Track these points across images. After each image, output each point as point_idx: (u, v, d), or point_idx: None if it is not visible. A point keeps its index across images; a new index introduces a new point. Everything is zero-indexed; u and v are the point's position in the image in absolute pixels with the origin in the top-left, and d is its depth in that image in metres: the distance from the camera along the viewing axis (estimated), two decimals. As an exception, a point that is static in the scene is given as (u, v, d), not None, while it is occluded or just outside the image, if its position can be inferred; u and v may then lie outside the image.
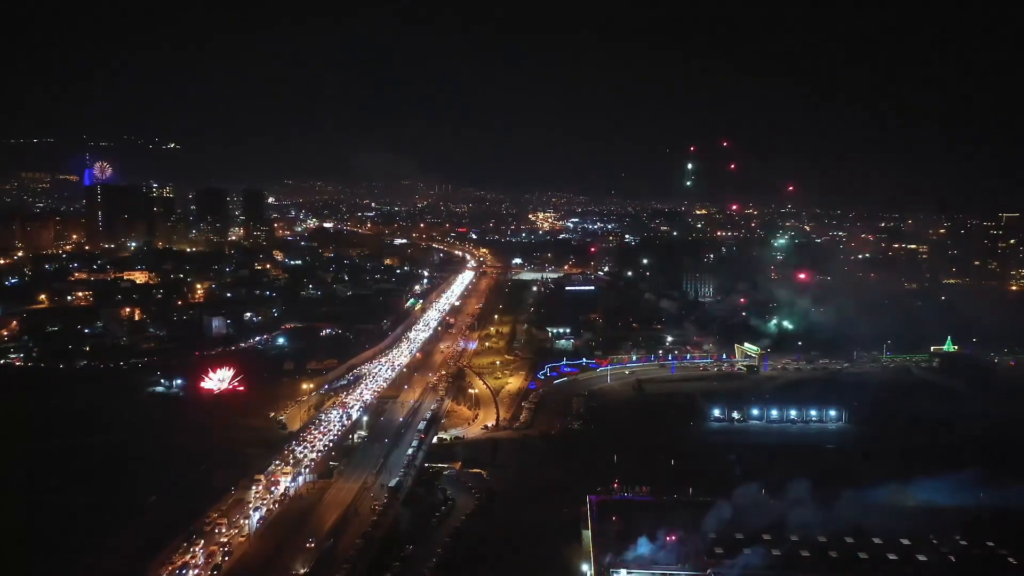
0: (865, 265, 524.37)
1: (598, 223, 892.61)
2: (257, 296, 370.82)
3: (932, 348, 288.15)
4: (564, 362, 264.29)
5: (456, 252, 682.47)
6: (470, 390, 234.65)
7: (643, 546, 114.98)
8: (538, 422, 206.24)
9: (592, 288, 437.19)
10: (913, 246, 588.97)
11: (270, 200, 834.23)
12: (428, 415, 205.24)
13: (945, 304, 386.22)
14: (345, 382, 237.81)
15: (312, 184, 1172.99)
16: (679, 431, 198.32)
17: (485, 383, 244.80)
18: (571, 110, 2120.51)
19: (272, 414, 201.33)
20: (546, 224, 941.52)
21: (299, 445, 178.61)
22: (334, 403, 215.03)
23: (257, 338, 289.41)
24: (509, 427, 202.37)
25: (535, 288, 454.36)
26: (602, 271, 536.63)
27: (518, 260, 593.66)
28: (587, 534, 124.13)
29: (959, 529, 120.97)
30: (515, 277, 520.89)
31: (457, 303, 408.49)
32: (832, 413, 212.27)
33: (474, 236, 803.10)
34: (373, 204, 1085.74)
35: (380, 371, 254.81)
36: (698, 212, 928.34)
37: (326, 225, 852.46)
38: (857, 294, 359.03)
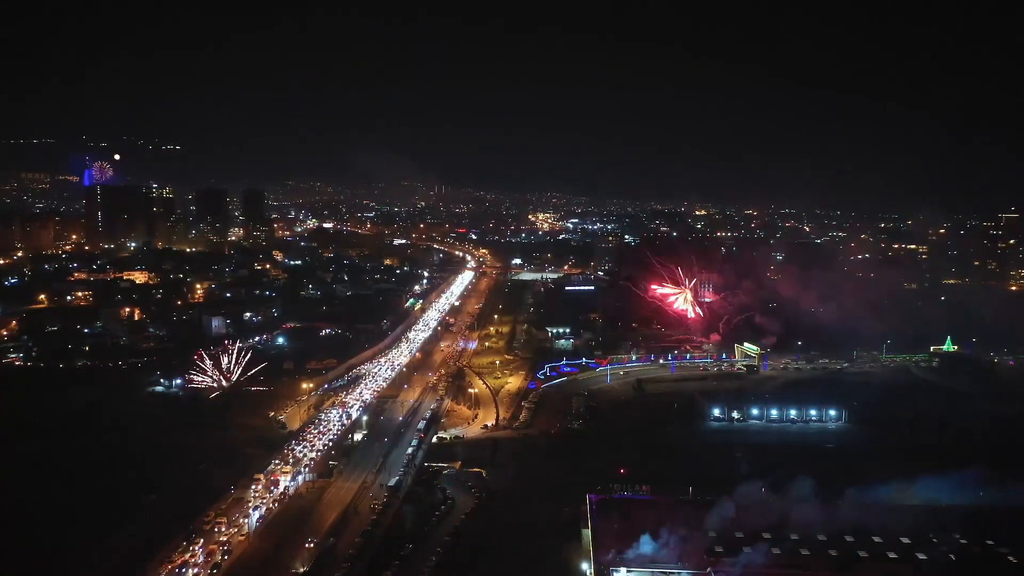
0: (865, 265, 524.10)
1: (598, 224, 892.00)
2: (257, 296, 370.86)
3: (932, 348, 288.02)
4: (564, 362, 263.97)
5: (456, 252, 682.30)
6: (470, 390, 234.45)
7: (643, 545, 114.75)
8: (538, 422, 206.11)
9: (592, 288, 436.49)
10: (913, 246, 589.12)
11: (270, 201, 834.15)
12: (428, 414, 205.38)
13: (945, 304, 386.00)
14: (345, 382, 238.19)
15: (312, 185, 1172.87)
16: (679, 431, 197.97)
17: (485, 383, 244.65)
18: (572, 110, 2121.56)
19: (272, 413, 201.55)
20: (546, 224, 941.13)
21: (299, 444, 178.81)
22: (334, 402, 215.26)
23: (257, 338, 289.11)
24: (509, 426, 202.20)
25: (535, 288, 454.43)
26: (602, 271, 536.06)
27: (518, 260, 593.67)
28: (587, 533, 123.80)
29: (959, 528, 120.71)
30: (515, 277, 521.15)
31: (457, 303, 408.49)
32: (832, 413, 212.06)
33: (474, 236, 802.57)
34: (373, 204, 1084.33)
35: (380, 371, 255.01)
36: (698, 212, 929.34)
37: (326, 225, 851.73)
38: (857, 294, 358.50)
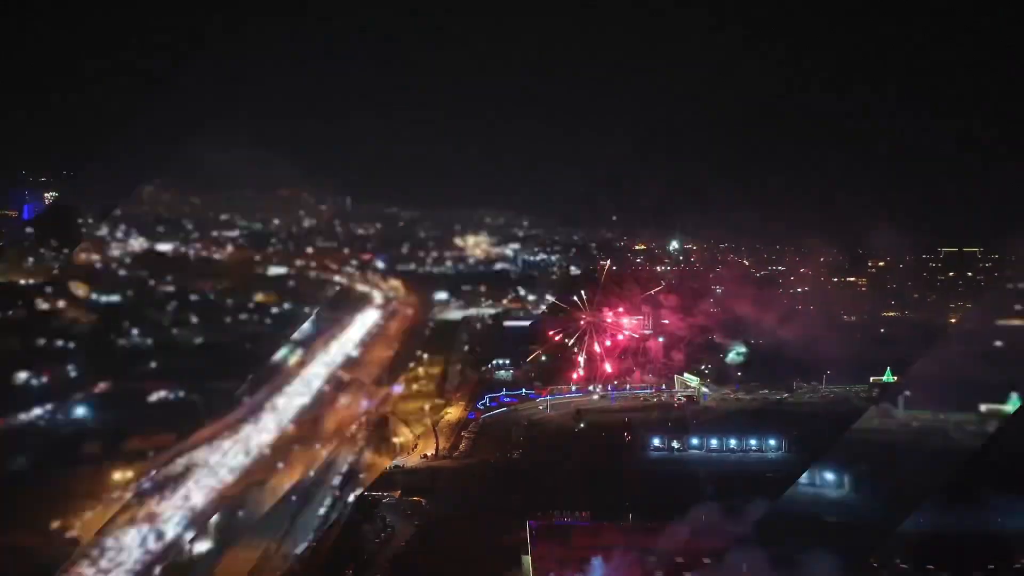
0: (805, 298, 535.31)
1: (541, 254, 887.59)
2: (40, 348, 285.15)
3: (872, 379, 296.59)
4: (504, 392, 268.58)
5: (358, 286, 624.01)
6: (394, 439, 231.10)
7: (583, 570, 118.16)
8: (478, 451, 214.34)
9: (533, 322, 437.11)
10: (852, 279, 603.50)
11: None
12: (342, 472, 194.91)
13: (884, 336, 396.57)
14: (183, 466, 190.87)
15: (137, 189, 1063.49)
16: (619, 459, 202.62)
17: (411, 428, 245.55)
18: (512, 112, 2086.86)
19: (56, 524, 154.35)
20: (478, 250, 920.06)
21: (91, 567, 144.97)
22: (162, 497, 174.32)
23: (38, 411, 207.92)
24: (448, 456, 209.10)
25: (470, 326, 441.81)
26: (544, 305, 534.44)
27: (443, 295, 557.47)
28: (527, 559, 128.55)
29: (900, 552, 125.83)
30: (439, 317, 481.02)
31: (355, 353, 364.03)
32: (772, 442, 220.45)
33: (381, 265, 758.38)
34: (238, 218, 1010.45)
35: (241, 446, 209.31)
36: (637, 247, 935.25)
37: (161, 247, 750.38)
38: (797, 326, 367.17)
